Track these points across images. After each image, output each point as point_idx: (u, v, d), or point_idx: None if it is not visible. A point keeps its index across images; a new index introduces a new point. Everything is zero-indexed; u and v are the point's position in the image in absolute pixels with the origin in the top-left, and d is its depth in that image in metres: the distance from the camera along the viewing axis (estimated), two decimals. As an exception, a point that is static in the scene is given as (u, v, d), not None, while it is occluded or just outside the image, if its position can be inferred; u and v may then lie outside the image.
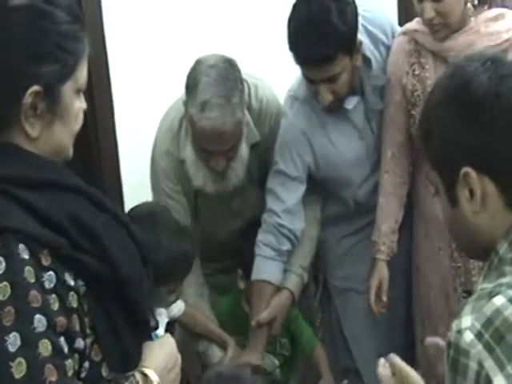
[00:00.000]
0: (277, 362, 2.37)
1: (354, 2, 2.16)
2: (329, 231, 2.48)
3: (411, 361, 2.36)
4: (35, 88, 1.19)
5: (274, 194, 2.32)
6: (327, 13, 2.09)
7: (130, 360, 1.31)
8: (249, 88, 2.26)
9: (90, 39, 1.31)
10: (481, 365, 1.01)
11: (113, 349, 1.26)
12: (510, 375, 1.00)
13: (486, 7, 2.21)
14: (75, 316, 1.18)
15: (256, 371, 2.10)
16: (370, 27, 2.29)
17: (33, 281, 1.13)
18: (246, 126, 2.19)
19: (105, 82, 2.71)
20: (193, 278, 2.21)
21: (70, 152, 1.31)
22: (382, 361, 1.39)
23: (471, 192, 1.14)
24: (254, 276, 2.28)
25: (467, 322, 1.04)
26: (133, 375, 1.28)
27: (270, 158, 2.34)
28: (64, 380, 1.13)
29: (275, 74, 2.73)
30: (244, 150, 2.18)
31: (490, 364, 1.01)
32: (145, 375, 1.30)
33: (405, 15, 3.15)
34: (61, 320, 1.15)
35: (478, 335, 1.02)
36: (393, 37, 2.34)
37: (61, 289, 1.16)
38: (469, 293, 2.27)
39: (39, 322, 1.12)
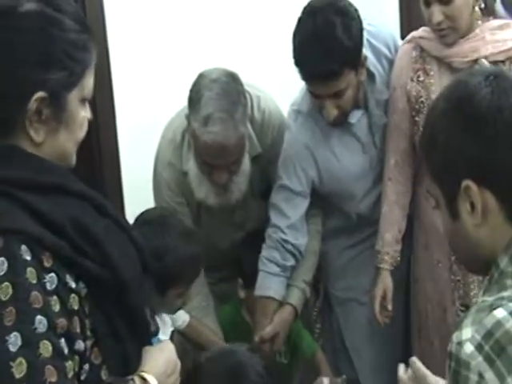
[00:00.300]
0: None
1: (359, 17, 2.16)
2: (330, 243, 2.49)
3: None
4: (41, 94, 1.20)
5: (278, 210, 2.33)
6: (332, 28, 2.09)
7: (129, 364, 1.31)
8: (251, 99, 2.27)
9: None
10: (481, 376, 1.01)
11: (113, 352, 1.26)
12: None
13: (491, 18, 2.22)
14: (76, 318, 1.19)
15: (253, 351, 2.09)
16: (373, 41, 2.30)
17: (34, 282, 1.13)
18: (248, 139, 2.19)
19: (106, 86, 2.73)
20: (198, 288, 2.22)
21: (74, 159, 1.32)
22: (402, 366, 1.41)
23: (472, 205, 1.13)
24: (258, 292, 2.29)
25: (468, 334, 1.04)
26: (132, 379, 1.28)
27: (273, 171, 2.35)
28: (64, 381, 1.13)
29: (278, 84, 2.76)
30: (246, 163, 2.19)
31: (490, 376, 1.01)
32: (144, 380, 1.30)
33: (407, 26, 3.16)
34: (61, 321, 1.15)
35: (479, 347, 1.02)
36: (395, 51, 2.35)
37: (62, 290, 1.17)
38: (467, 307, 2.27)
39: (40, 322, 1.12)
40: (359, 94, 2.27)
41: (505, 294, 1.07)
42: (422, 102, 2.25)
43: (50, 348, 1.12)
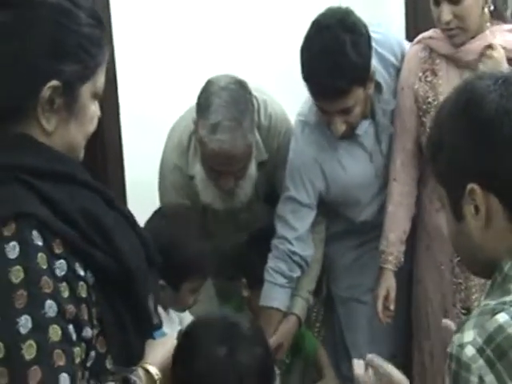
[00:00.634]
0: (277, 370, 2.39)
1: (367, 32, 2.15)
2: (334, 244, 2.49)
3: (410, 371, 2.38)
4: (54, 83, 1.21)
5: (285, 222, 2.33)
6: (342, 45, 2.08)
7: (133, 354, 1.32)
8: (258, 105, 2.27)
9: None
10: (481, 379, 1.01)
11: (117, 342, 1.27)
12: None
13: (500, 22, 2.23)
14: (84, 305, 1.19)
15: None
16: (379, 49, 2.29)
17: (45, 267, 1.14)
18: (255, 146, 2.19)
19: (111, 82, 2.71)
20: (204, 293, 2.19)
21: (82, 153, 1.33)
22: (357, 361, 1.38)
23: (476, 208, 1.13)
24: (264, 302, 2.30)
25: (469, 337, 1.04)
26: (135, 370, 1.29)
27: (278, 176, 2.35)
28: (71, 366, 1.14)
29: (282, 84, 2.76)
30: (253, 168, 2.20)
31: (490, 379, 1.01)
32: (147, 371, 1.32)
33: (413, 28, 3.13)
34: (70, 308, 1.16)
35: (480, 350, 1.02)
36: (402, 57, 2.34)
37: (71, 278, 1.18)
38: (468, 310, 2.28)
39: (50, 307, 1.13)
40: (367, 106, 2.27)
41: (507, 298, 1.07)
42: (429, 102, 2.26)
43: (60, 332, 1.13)
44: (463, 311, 2.30)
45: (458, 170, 1.15)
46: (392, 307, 2.31)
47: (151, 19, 2.87)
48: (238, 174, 2.16)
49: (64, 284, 1.16)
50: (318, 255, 2.43)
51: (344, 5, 2.20)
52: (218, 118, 2.05)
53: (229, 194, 2.20)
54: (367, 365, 1.35)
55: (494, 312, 1.05)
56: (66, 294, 1.16)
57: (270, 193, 2.39)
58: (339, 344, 2.55)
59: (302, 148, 2.30)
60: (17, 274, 1.12)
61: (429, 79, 2.27)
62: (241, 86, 2.12)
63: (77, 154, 1.31)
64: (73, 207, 1.21)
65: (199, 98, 2.13)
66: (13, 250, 1.14)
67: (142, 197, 2.59)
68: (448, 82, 2.22)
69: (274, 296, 2.30)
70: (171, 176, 2.30)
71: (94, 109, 1.31)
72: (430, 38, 2.28)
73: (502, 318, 1.04)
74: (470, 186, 1.13)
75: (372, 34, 2.19)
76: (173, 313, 2.09)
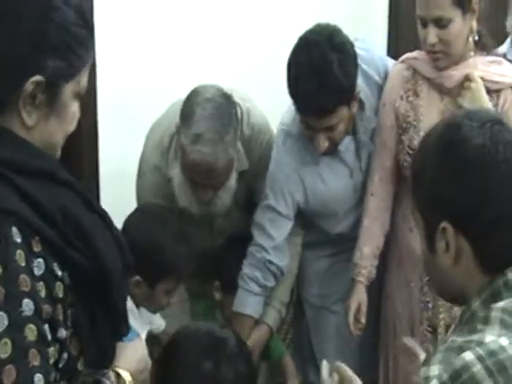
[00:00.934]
0: None
1: (354, 52, 2.17)
2: (306, 253, 2.51)
3: (376, 381, 2.41)
4: (38, 78, 1.20)
5: (263, 230, 2.34)
6: (329, 65, 2.10)
7: (106, 357, 1.32)
8: (241, 114, 2.26)
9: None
10: None
11: (90, 344, 1.26)
12: None
13: (484, 53, 2.26)
14: (60, 306, 1.19)
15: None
16: (364, 66, 2.30)
17: (23, 265, 1.13)
18: (236, 156, 2.19)
19: (90, 75, 2.70)
20: (177, 297, 2.21)
21: (59, 152, 1.32)
22: (325, 363, 1.41)
23: (447, 245, 1.15)
24: (237, 308, 2.32)
25: (435, 371, 1.05)
26: (107, 373, 1.30)
27: (258, 186, 2.36)
28: (45, 367, 1.13)
29: (269, 89, 2.76)
30: (233, 180, 2.20)
31: None
32: (118, 374, 1.32)
33: (395, 50, 3.17)
34: (47, 308, 1.15)
35: None
36: (385, 75, 2.37)
37: (49, 277, 1.17)
38: (434, 328, 2.31)
39: (27, 306, 1.12)
40: (350, 124, 2.29)
41: (474, 337, 1.08)
42: (408, 122, 2.28)
43: (36, 332, 1.12)
44: (429, 329, 2.33)
45: (435, 205, 1.17)
46: (363, 320, 2.33)
47: (132, 21, 2.85)
48: (218, 185, 2.16)
49: (41, 283, 1.15)
50: (293, 267, 2.45)
51: (327, 19, 2.22)
52: (200, 129, 2.05)
53: (206, 201, 2.20)
54: (332, 370, 1.38)
55: (461, 350, 1.06)
56: (43, 294, 1.15)
57: (249, 202, 2.40)
58: (306, 348, 2.57)
59: (283, 159, 2.32)
60: None
61: (410, 99, 2.29)
62: (226, 99, 2.12)
63: (54, 152, 1.30)
64: (52, 206, 1.20)
65: (184, 105, 2.13)
66: None
67: (116, 192, 2.60)
68: (429, 104, 2.26)
69: (248, 303, 2.31)
70: (151, 176, 2.29)
71: (75, 109, 1.30)
72: (415, 58, 2.31)
73: (467, 356, 1.05)
74: (443, 224, 1.14)
75: (359, 51, 2.21)
76: (144, 311, 2.10)
